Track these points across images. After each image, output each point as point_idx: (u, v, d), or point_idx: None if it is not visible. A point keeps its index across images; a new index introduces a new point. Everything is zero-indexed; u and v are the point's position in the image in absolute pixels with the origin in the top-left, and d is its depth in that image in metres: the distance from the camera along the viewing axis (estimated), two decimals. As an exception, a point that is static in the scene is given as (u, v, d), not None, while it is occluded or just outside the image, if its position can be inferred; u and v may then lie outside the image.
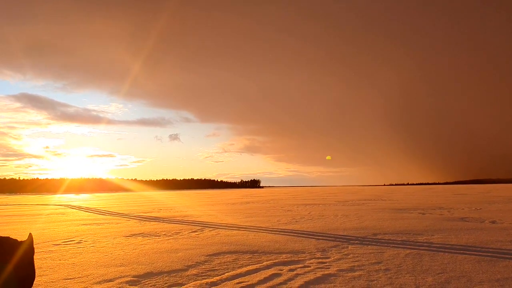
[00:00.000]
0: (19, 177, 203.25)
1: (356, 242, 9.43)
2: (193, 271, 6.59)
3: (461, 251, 7.94)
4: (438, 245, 8.71)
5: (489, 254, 7.62)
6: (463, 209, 19.92)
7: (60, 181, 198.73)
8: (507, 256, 7.40)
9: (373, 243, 9.18)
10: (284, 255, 7.81)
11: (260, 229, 12.33)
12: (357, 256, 7.58)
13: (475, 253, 7.74)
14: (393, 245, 8.91)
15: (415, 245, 8.85)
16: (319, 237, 10.28)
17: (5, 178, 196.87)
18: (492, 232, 10.62)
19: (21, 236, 11.22)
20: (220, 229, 12.53)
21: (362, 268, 6.58)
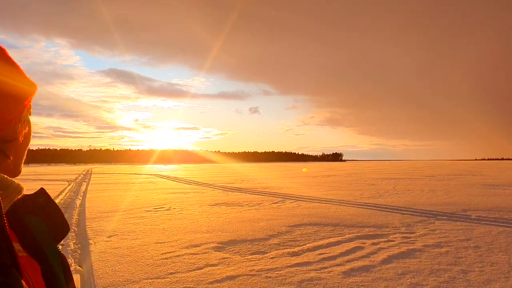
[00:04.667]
0: (113, 148, 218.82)
1: (443, 217, 9.03)
2: (275, 240, 6.73)
3: None
4: (536, 224, 8.08)
5: None
6: None
7: (150, 152, 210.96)
8: None
9: (462, 219, 8.74)
10: (367, 229, 7.71)
11: (342, 203, 12.24)
12: (444, 232, 7.27)
13: None
14: (484, 222, 8.42)
15: (510, 223, 8.28)
16: (404, 212, 9.98)
17: (100, 148, 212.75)
18: None
19: (116, 203, 12.08)
20: (301, 201, 12.62)
21: (450, 244, 6.31)
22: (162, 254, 5.85)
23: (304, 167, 72.42)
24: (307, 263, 5.25)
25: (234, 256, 5.70)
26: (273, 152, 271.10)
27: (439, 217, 9.09)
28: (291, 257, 5.61)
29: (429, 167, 64.00)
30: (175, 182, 25.24)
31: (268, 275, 4.75)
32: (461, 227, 7.78)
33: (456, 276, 4.65)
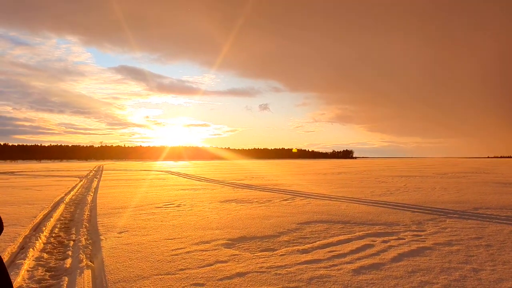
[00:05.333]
0: (124, 145, 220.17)
1: (454, 216, 8.97)
2: (285, 237, 6.74)
3: None
4: (549, 223, 7.98)
5: None
6: None
7: (161, 148, 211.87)
8: None
9: (474, 218, 8.66)
10: (377, 227, 7.68)
11: (352, 200, 12.21)
12: (455, 230, 7.22)
13: None
14: (497, 220, 8.34)
15: (523, 221, 8.19)
16: (415, 210, 9.92)
17: (112, 145, 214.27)
18: None
19: (127, 199, 12.14)
20: (311, 199, 12.61)
21: (461, 242, 6.26)
22: (172, 250, 5.89)
23: (316, 164, 72.22)
24: (317, 261, 5.25)
25: (244, 253, 5.71)
26: (283, 149, 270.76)
27: (450, 215, 9.02)
28: (300, 254, 5.61)
29: (441, 164, 63.51)
30: (185, 178, 25.36)
31: (278, 272, 4.76)
32: (473, 226, 7.71)
33: (467, 274, 4.61)
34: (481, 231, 7.14)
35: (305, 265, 5.03)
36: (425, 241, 6.37)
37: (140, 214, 9.58)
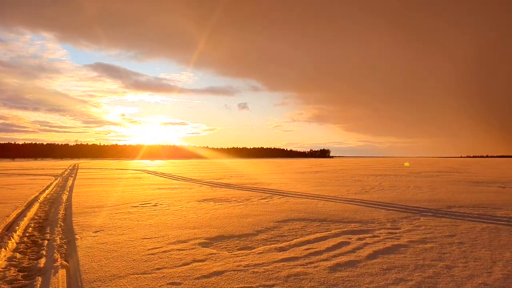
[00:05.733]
0: (100, 143, 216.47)
1: (428, 214, 9.15)
2: (262, 236, 6.77)
3: (545, 228, 7.45)
4: (519, 221, 8.23)
5: None
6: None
7: (137, 147, 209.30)
8: None
9: (447, 216, 8.86)
10: (353, 224, 7.78)
11: (329, 198, 12.33)
12: (429, 228, 7.37)
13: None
14: (469, 218, 8.55)
15: (493, 219, 8.42)
16: (390, 208, 10.09)
17: (87, 143, 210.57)
18: None
19: (103, 198, 11.97)
20: (289, 197, 12.68)
21: (435, 240, 6.40)
22: (148, 249, 5.85)
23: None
24: (294, 258, 5.29)
25: (221, 252, 5.71)
26: (262, 148, 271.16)
27: (424, 213, 9.20)
28: (278, 252, 5.65)
29: (415, 163, 64.66)
30: (162, 177, 25.16)
31: (255, 270, 4.78)
32: (446, 224, 7.89)
33: (440, 271, 4.72)
34: (454, 229, 7.31)
35: (282, 263, 5.07)
36: (399, 239, 6.49)
37: (116, 213, 9.47)
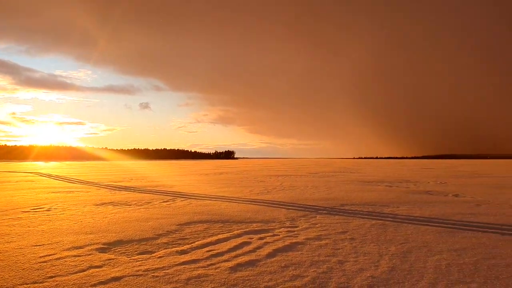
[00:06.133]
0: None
1: (324, 212, 9.67)
2: (164, 239, 6.66)
3: (424, 223, 8.26)
4: (402, 217, 9.03)
5: (450, 226, 7.96)
6: (428, 182, 20.58)
7: (29, 148, 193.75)
8: (466, 227, 7.75)
9: (340, 214, 9.44)
10: (254, 224, 7.97)
11: (232, 199, 12.48)
12: (324, 226, 7.79)
13: (437, 224, 8.08)
14: (360, 215, 9.19)
15: (381, 216, 9.15)
16: (290, 207, 10.48)
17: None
18: (454, 205, 11.06)
19: (-12, 204, 10.84)
20: (192, 199, 12.61)
21: (329, 237, 6.79)
22: (40, 257, 5.46)
23: (202, 165, 72.17)
24: (195, 261, 5.29)
25: (120, 257, 5.52)
26: (165, 149, 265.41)
27: (320, 212, 9.71)
28: (179, 255, 5.60)
29: (314, 164, 67.89)
30: (57, 180, 23.58)
31: (155, 274, 4.69)
32: (339, 221, 8.41)
33: (333, 266, 5.02)
34: (346, 226, 7.81)
35: (183, 266, 5.04)
36: (297, 237, 6.78)
37: (3, 219, 8.70)
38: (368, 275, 4.70)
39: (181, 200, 12.27)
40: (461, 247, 6.11)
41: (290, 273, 4.74)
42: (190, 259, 5.38)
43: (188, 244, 6.29)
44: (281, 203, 11.49)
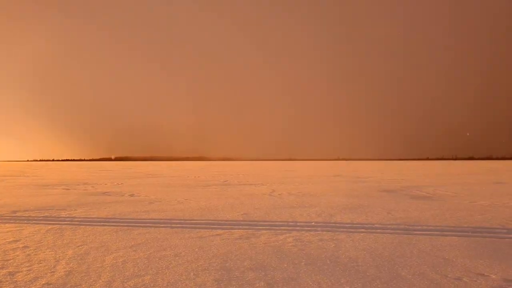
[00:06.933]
0: None
1: None
2: None
3: (101, 223, 8.43)
4: (80, 219, 8.96)
5: (126, 224, 8.39)
6: (106, 184, 21.05)
7: None
8: (141, 224, 8.35)
9: (12, 221, 8.59)
10: None
11: None
12: None
13: (114, 224, 8.39)
14: (34, 221, 8.60)
15: (57, 220, 8.81)
16: None
17: None
18: (130, 204, 11.70)
19: None
20: None
21: (-3, 248, 6.10)
22: None
23: None
24: None
25: None
26: None
27: (-13, 221, 8.58)
28: None
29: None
30: None
31: None
32: (11, 229, 7.64)
33: (3, 279, 4.55)
34: (18, 234, 7.18)
35: None
36: (-44, 252, 5.81)
37: None
38: (44, 282, 4.48)
39: None
40: (136, 243, 6.56)
41: None
42: None
43: None
44: None
